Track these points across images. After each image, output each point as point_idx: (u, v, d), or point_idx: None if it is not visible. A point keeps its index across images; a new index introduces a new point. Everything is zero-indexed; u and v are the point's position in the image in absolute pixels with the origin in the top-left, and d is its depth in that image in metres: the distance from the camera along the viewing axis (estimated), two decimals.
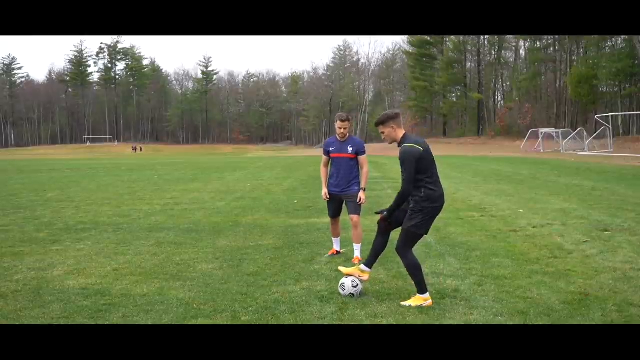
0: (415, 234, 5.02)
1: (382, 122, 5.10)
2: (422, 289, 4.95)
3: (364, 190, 6.77)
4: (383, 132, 5.13)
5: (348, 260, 6.66)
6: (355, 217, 6.74)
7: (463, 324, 4.47)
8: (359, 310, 4.82)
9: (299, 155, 60.57)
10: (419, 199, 4.94)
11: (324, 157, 6.95)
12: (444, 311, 4.77)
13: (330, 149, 6.80)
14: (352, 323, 4.52)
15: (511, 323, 4.46)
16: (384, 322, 4.52)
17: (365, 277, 5.28)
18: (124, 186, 18.21)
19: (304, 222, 9.81)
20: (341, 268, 5.47)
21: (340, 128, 6.66)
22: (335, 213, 6.94)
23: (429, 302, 4.91)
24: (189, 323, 4.55)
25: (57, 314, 4.77)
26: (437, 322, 4.51)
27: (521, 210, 10.88)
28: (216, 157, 59.11)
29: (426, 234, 5.13)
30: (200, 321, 4.58)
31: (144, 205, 12.61)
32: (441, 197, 5.01)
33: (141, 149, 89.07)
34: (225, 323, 4.55)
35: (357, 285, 5.22)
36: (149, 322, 4.57)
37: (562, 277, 5.81)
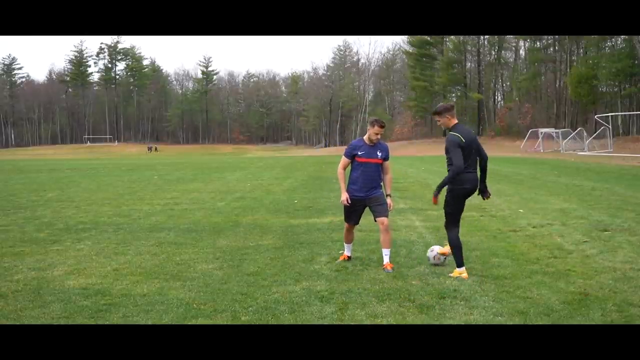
0: (449, 213, 5.98)
1: (439, 112, 5.94)
2: (458, 264, 5.93)
3: (390, 196, 6.54)
4: (439, 120, 5.99)
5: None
6: (385, 219, 6.37)
7: (463, 323, 4.47)
8: (359, 310, 4.83)
9: (299, 155, 60.57)
10: (451, 183, 5.82)
11: (345, 159, 6.51)
12: (444, 311, 4.77)
13: (359, 152, 6.39)
14: (352, 323, 4.53)
15: (511, 323, 4.47)
16: (384, 322, 4.53)
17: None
18: (124, 186, 18.22)
19: (304, 222, 9.81)
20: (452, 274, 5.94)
21: (378, 134, 6.33)
22: (356, 220, 6.61)
23: (464, 275, 5.82)
24: (189, 323, 4.55)
25: (57, 314, 4.78)
26: (437, 322, 4.52)
27: (521, 210, 10.88)
28: (216, 157, 59.11)
29: (459, 211, 6.02)
30: (200, 321, 4.59)
31: (144, 205, 12.61)
32: (469, 181, 5.87)
33: (156, 149, 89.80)
34: (225, 323, 4.55)
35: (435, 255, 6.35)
36: (149, 322, 4.57)
37: (562, 277, 5.82)
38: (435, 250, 6.48)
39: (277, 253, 7.19)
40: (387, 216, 6.41)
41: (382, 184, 6.58)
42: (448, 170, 5.85)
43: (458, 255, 5.94)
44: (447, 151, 5.84)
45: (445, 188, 5.91)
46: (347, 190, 6.49)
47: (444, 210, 6.08)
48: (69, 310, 4.88)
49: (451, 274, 5.91)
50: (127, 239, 8.39)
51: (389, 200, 6.49)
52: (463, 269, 5.91)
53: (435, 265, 6.36)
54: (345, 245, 6.82)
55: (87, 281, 5.87)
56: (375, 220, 6.51)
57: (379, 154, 6.42)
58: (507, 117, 69.31)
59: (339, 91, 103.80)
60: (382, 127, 6.36)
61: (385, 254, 6.35)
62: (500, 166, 27.85)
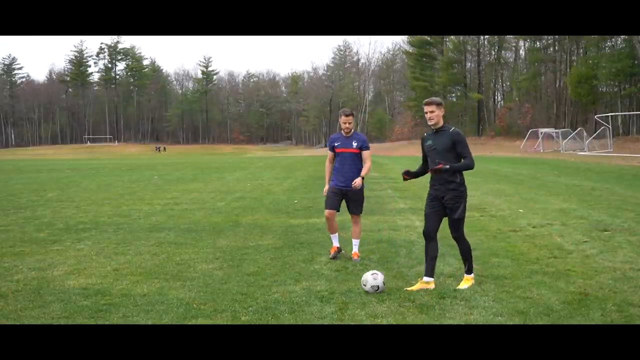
0: (463, 219, 5.51)
1: (439, 103, 5.44)
2: (471, 269, 5.60)
3: (362, 178, 6.69)
4: (433, 112, 5.38)
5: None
6: (357, 217, 6.85)
7: (463, 324, 4.47)
8: (359, 310, 4.82)
9: (299, 155, 60.57)
10: (457, 185, 5.42)
11: (330, 153, 6.94)
12: (444, 311, 4.77)
13: (336, 144, 6.83)
14: (352, 323, 4.53)
15: (511, 323, 4.47)
16: (384, 322, 4.53)
17: (432, 285, 5.44)
18: (124, 186, 18.22)
19: (304, 222, 9.81)
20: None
21: (345, 123, 6.70)
22: (332, 205, 6.77)
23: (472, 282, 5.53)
24: (189, 323, 4.55)
25: (57, 314, 4.78)
26: (437, 322, 4.51)
27: (521, 210, 10.88)
28: (216, 157, 59.11)
29: None
30: (200, 321, 4.59)
31: (144, 205, 12.61)
32: None
33: (164, 149, 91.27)
34: (225, 323, 4.55)
35: (377, 276, 5.32)
36: (149, 322, 4.57)
37: (562, 277, 5.81)
38: (379, 279, 5.33)
39: (277, 253, 7.19)
40: (359, 214, 6.86)
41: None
42: (446, 168, 5.34)
43: (472, 260, 5.63)
44: (458, 145, 5.34)
45: (459, 195, 5.40)
46: (332, 180, 6.87)
47: (457, 220, 5.47)
48: (69, 310, 4.88)
49: (463, 286, 5.43)
50: (127, 239, 8.39)
51: (358, 179, 6.62)
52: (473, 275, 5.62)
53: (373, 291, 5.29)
54: (331, 236, 6.96)
55: (87, 281, 5.87)
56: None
57: (354, 144, 6.76)
58: (507, 117, 69.31)
59: (339, 91, 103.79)
60: (347, 115, 6.72)
61: (355, 243, 6.87)
62: (500, 166, 27.86)
